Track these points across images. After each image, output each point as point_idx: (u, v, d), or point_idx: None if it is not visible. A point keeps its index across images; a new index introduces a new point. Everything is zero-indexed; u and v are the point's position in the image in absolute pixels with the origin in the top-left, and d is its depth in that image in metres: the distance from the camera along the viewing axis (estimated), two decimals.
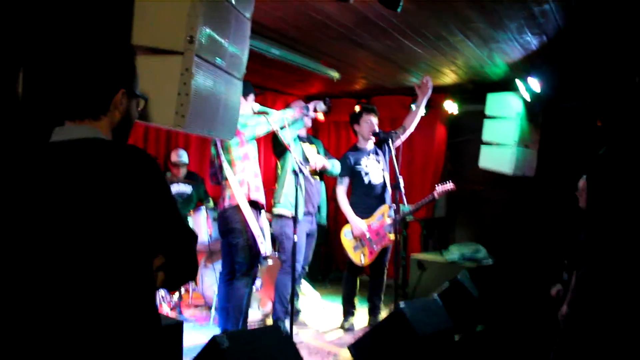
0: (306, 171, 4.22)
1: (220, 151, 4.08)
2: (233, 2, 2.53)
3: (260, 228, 4.05)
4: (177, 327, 2.89)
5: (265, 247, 4.04)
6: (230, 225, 4.04)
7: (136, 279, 1.46)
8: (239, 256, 4.06)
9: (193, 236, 1.63)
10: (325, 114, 4.71)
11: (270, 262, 4.56)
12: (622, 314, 1.42)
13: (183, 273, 1.62)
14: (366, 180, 4.94)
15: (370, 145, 5.07)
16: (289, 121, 4.23)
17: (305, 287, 5.88)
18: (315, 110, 4.54)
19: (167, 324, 2.86)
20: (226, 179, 4.07)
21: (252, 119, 4.12)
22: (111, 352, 1.39)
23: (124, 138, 1.62)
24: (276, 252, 4.85)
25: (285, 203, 4.62)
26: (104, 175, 1.40)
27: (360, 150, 5.05)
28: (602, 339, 1.44)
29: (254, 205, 4.06)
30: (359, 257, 4.83)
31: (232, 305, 4.08)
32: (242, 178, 4.05)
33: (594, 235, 1.50)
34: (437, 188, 5.05)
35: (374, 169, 4.97)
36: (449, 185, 5.04)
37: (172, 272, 1.57)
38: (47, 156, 1.43)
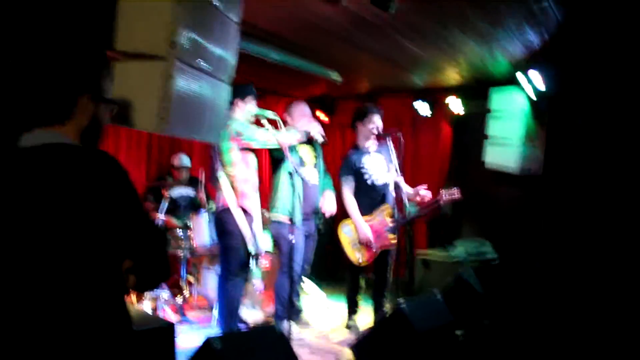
0: (302, 173, 4.23)
1: (216, 154, 4.14)
2: (218, 5, 2.55)
3: (251, 230, 4.11)
4: (169, 329, 2.92)
5: (255, 249, 4.11)
6: (222, 227, 4.13)
7: (104, 282, 1.48)
8: (231, 257, 4.13)
9: (163, 239, 1.65)
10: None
11: (264, 263, 4.61)
12: (579, 310, 1.39)
13: (153, 275, 1.63)
14: (369, 181, 4.87)
15: (371, 144, 5.03)
16: (285, 145, 4.23)
17: (310, 286, 5.89)
18: (310, 136, 4.58)
19: (159, 326, 2.90)
20: (218, 180, 4.14)
21: (249, 131, 4.14)
22: (78, 354, 1.42)
23: (94, 143, 1.63)
24: (263, 253, 4.83)
25: (281, 208, 4.63)
26: (67, 180, 1.42)
27: (361, 149, 4.99)
28: (558, 335, 1.42)
29: (243, 209, 4.14)
30: (355, 255, 4.77)
31: (224, 306, 4.16)
32: (232, 183, 4.12)
33: (549, 231, 1.48)
34: (443, 194, 4.83)
35: (376, 169, 4.92)
36: (456, 195, 4.83)
37: (142, 274, 1.60)
38: (13, 162, 1.45)
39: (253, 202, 4.25)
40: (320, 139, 4.65)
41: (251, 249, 4.09)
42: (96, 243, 1.45)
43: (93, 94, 1.58)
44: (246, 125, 4.17)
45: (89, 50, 1.59)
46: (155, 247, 1.60)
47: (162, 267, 1.65)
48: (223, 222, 4.12)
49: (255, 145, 4.18)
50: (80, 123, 1.57)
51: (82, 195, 1.42)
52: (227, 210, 4.09)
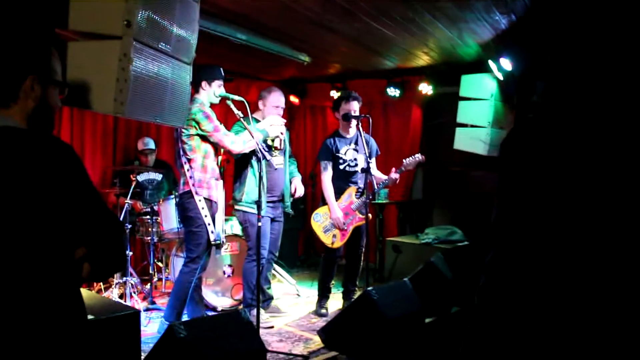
0: (269, 157, 4.13)
1: (179, 139, 4.07)
2: None
3: (212, 216, 4.06)
4: (134, 316, 2.87)
5: (214, 235, 4.06)
6: (184, 212, 4.09)
7: (55, 271, 1.42)
8: (189, 243, 4.09)
9: (119, 226, 1.59)
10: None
11: (224, 250, 4.53)
12: (532, 302, 1.35)
13: (109, 264, 1.58)
14: (342, 166, 4.95)
15: (351, 132, 5.03)
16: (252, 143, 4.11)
17: (280, 272, 5.86)
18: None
19: (124, 313, 2.84)
20: (182, 166, 4.07)
21: (209, 124, 4.03)
22: (26, 344, 1.36)
23: (45, 127, 1.56)
24: (224, 241, 4.56)
25: (246, 200, 4.55)
26: (13, 164, 1.35)
27: (341, 137, 5.02)
28: (512, 330, 1.39)
29: (205, 196, 4.08)
30: (330, 239, 4.81)
31: (175, 291, 4.10)
32: (190, 169, 4.05)
33: (503, 216, 1.43)
34: (404, 162, 4.91)
35: (352, 158, 4.98)
36: (418, 157, 4.90)
37: (98, 263, 1.54)
38: None
39: (215, 189, 4.16)
40: (277, 144, 4.62)
41: (210, 236, 4.05)
42: (44, 230, 1.39)
43: (40, 76, 1.51)
44: (203, 117, 4.00)
45: (33, 28, 1.52)
46: (111, 235, 1.54)
47: (118, 255, 1.60)
48: (184, 208, 4.08)
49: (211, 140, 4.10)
50: (27, 106, 1.49)
51: (27, 180, 1.36)
52: (188, 196, 4.03)
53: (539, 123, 1.39)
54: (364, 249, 5.07)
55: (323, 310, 4.99)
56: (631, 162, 1.37)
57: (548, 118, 1.40)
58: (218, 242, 4.11)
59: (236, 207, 4.66)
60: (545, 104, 1.48)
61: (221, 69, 4.23)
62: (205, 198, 4.05)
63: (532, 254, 1.35)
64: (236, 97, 4.03)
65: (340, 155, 4.94)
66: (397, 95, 6.51)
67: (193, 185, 4.01)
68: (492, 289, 1.41)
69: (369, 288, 3.74)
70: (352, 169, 4.98)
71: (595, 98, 1.41)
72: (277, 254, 4.98)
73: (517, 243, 1.38)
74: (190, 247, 4.09)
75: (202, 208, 3.99)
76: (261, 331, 3.63)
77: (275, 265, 5.42)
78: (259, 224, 3.85)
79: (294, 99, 7.19)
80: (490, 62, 5.31)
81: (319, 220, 4.86)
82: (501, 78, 5.42)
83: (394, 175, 4.89)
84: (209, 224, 4.02)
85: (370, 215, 4.86)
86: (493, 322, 1.42)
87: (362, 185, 4.97)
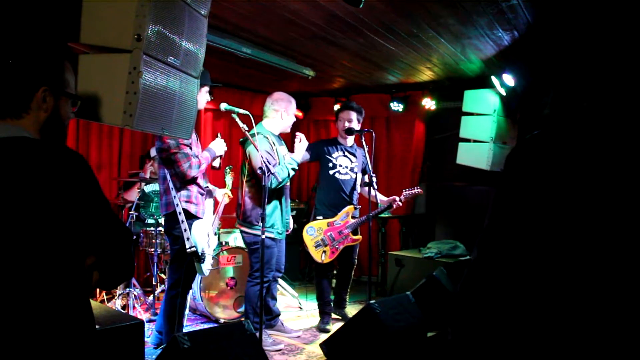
0: (273, 170, 4.10)
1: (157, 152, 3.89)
2: None
3: (189, 229, 3.82)
4: (138, 327, 2.89)
5: (189, 243, 3.78)
6: (168, 230, 3.90)
7: (65, 279, 1.45)
8: (172, 264, 3.88)
9: (128, 235, 1.61)
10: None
11: (207, 270, 4.09)
12: (508, 312, 1.36)
13: (118, 272, 1.61)
14: (332, 172, 4.97)
15: (349, 142, 5.09)
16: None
17: (283, 285, 5.86)
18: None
19: (128, 324, 2.86)
20: (163, 181, 3.89)
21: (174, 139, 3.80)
22: (35, 351, 1.38)
23: (57, 137, 1.59)
24: (204, 253, 4.13)
25: (266, 224, 4.12)
26: (26, 174, 1.38)
27: (336, 143, 5.09)
28: (485, 334, 1.39)
29: (186, 212, 3.88)
30: (320, 255, 4.81)
31: (165, 316, 3.91)
32: (174, 182, 3.85)
33: (494, 223, 1.43)
34: (404, 192, 5.02)
35: (344, 165, 5.00)
36: (417, 190, 5.05)
37: (107, 271, 1.57)
38: None
39: (202, 204, 3.99)
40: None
41: (186, 243, 3.78)
42: (55, 239, 1.42)
43: (52, 88, 1.54)
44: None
45: (45, 41, 1.55)
46: (120, 244, 1.57)
47: (127, 263, 1.62)
48: (169, 226, 3.88)
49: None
50: (39, 117, 1.52)
51: (40, 190, 1.39)
52: (172, 216, 3.84)
53: (546, 138, 1.40)
54: (355, 261, 5.15)
55: (326, 327, 4.98)
56: None
57: (555, 133, 1.40)
58: (194, 249, 3.77)
59: (249, 229, 4.45)
60: (553, 118, 1.49)
61: (208, 74, 4.00)
62: (192, 215, 3.85)
63: (516, 268, 1.35)
64: (241, 111, 3.96)
65: (330, 159, 4.98)
66: (401, 109, 6.56)
67: (178, 203, 3.80)
68: (470, 298, 1.42)
69: (372, 301, 3.76)
70: (342, 177, 4.98)
71: (605, 112, 1.42)
72: (282, 271, 4.77)
73: (502, 254, 1.38)
74: (172, 268, 3.89)
75: (184, 225, 3.79)
76: (263, 343, 3.63)
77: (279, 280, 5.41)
78: (263, 236, 3.83)
79: (298, 112, 7.24)
80: (493, 77, 5.35)
81: (312, 234, 4.86)
82: (504, 93, 5.46)
83: (397, 203, 4.96)
84: (185, 230, 3.78)
85: (360, 237, 4.97)
86: (470, 327, 1.43)
87: (359, 205, 5.05)
